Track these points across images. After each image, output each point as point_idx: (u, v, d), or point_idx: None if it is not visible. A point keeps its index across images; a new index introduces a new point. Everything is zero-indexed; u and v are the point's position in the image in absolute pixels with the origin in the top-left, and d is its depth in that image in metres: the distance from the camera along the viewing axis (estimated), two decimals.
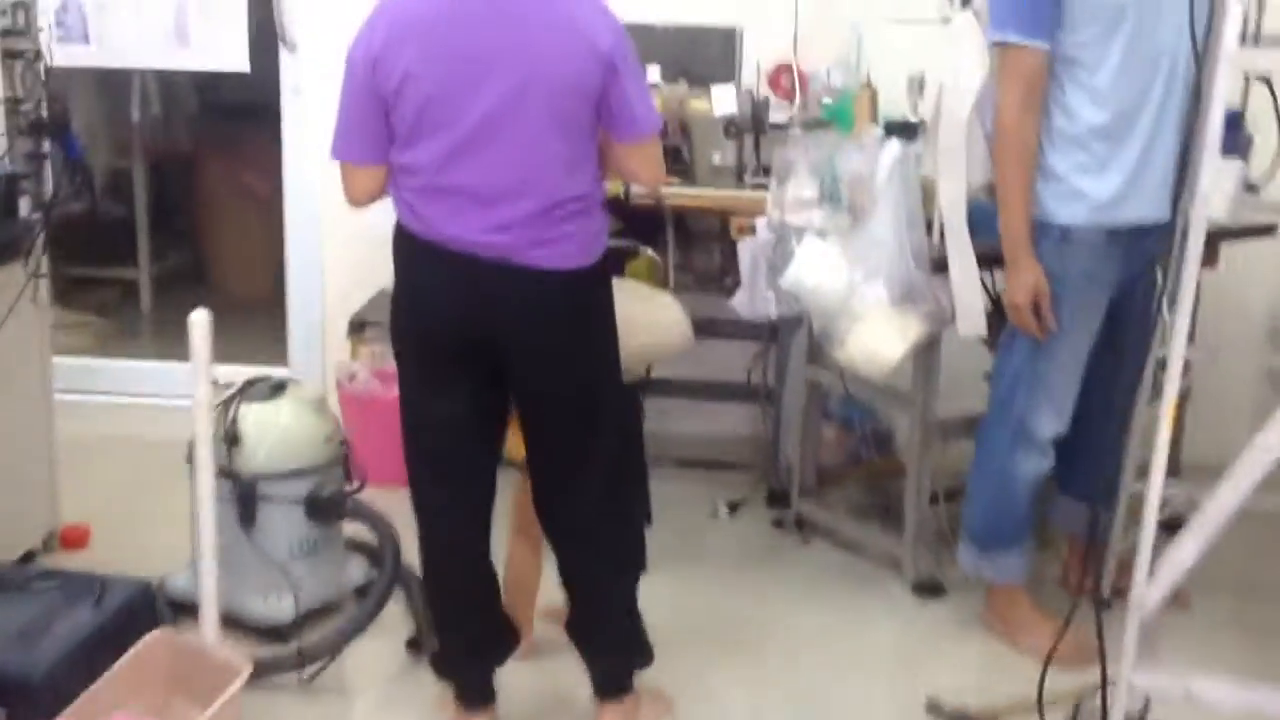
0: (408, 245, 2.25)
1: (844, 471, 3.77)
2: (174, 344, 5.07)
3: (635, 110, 2.21)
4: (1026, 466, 2.88)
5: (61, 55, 3.87)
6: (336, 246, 4.09)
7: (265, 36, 4.01)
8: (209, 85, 5.14)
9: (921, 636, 3.08)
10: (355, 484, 2.91)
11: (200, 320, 2.34)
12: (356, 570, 3.03)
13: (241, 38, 3.94)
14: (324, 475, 2.86)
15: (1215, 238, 2.72)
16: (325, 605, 2.94)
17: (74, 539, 3.24)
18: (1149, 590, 2.19)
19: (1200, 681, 2.20)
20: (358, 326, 3.74)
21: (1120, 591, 2.86)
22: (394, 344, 2.35)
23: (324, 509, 2.85)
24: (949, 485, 3.43)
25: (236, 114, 5.03)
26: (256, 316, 4.53)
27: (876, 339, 2.90)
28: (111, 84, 4.97)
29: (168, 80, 5.09)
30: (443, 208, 2.17)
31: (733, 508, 3.69)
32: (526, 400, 2.32)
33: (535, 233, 2.18)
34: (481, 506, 2.38)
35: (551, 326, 2.23)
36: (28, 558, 3.11)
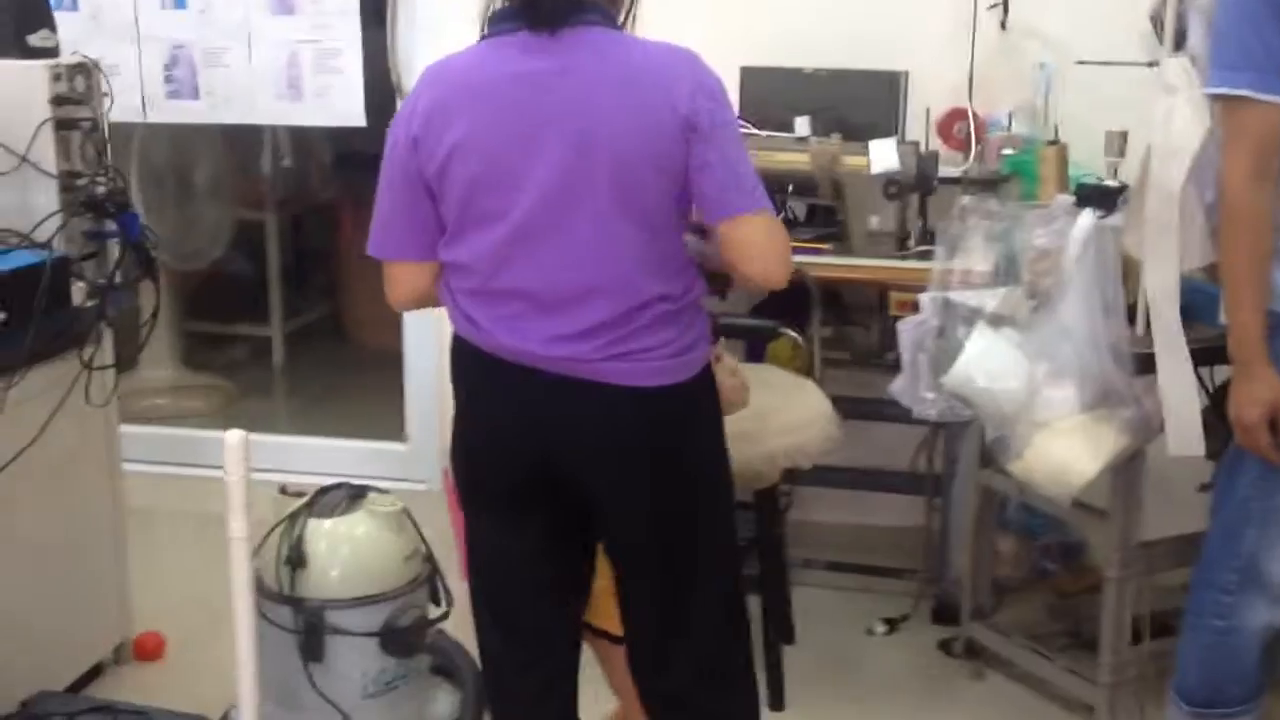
0: (465, 356, 1.85)
1: (1025, 588, 3.22)
2: (308, 404, 4.99)
3: (724, 182, 1.74)
4: (1258, 616, 2.29)
5: (171, 110, 3.75)
6: None
7: (385, 87, 3.70)
8: (341, 136, 4.89)
9: None
10: (442, 610, 2.51)
11: (235, 442, 1.96)
12: (446, 704, 2.62)
13: (357, 90, 3.63)
14: (403, 601, 2.47)
15: None
16: None
17: (149, 649, 2.94)
18: None
19: None
20: None
21: None
22: (453, 469, 1.94)
23: (401, 641, 2.46)
24: (1157, 612, 2.86)
25: (369, 165, 4.75)
26: (388, 372, 4.23)
27: (1064, 453, 2.38)
28: (242, 134, 4.76)
29: (299, 131, 4.86)
30: (500, 314, 1.76)
31: (891, 625, 3.18)
32: (610, 548, 1.89)
33: (610, 344, 1.75)
34: (558, 675, 1.95)
35: (629, 459, 1.80)
36: (95, 672, 2.81)
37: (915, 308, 2.78)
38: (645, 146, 1.70)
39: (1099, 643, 2.72)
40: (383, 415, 3.98)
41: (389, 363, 4.00)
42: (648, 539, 1.84)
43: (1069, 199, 2.58)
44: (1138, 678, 2.73)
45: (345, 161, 5.13)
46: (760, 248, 1.78)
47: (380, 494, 2.54)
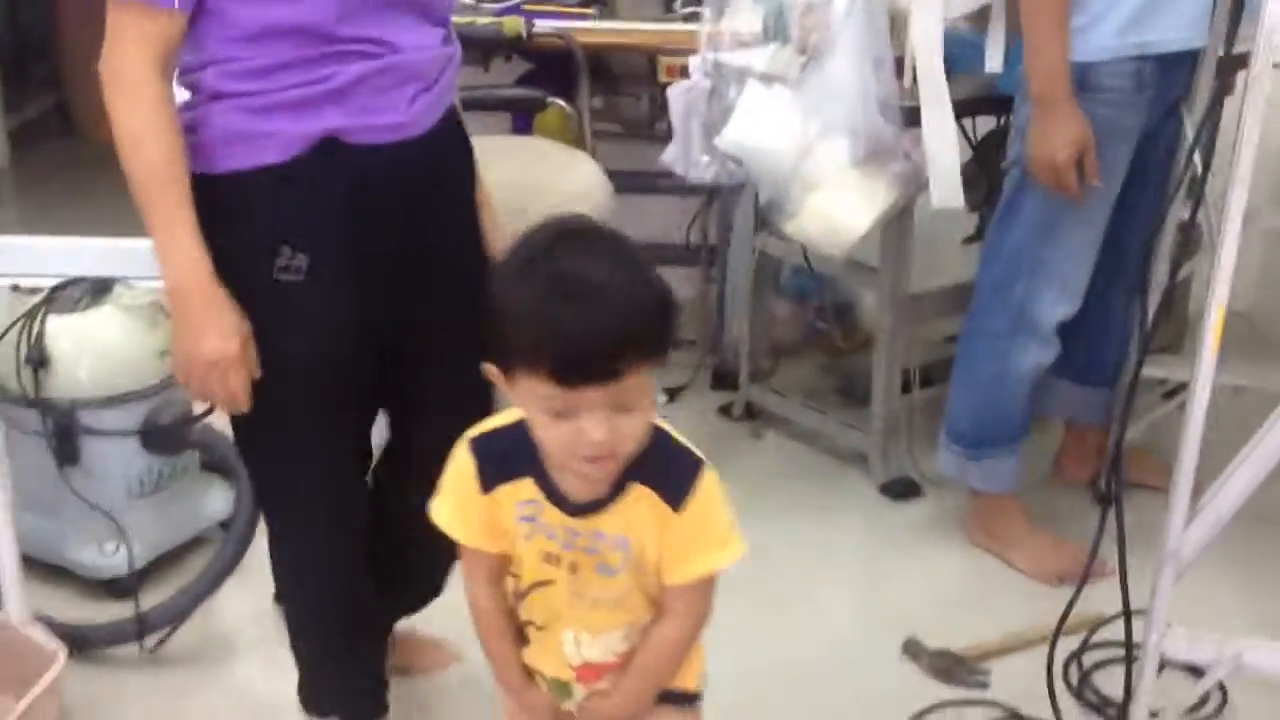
0: None
1: (799, 348, 3.28)
2: (38, 209, 4.60)
3: None
4: (1027, 358, 2.39)
5: None
6: None
7: None
8: None
9: (894, 548, 2.64)
10: (205, 406, 2.38)
11: None
12: (216, 502, 2.51)
13: None
14: (162, 398, 2.33)
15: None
16: (184, 545, 2.47)
17: None
18: (1187, 533, 1.72)
19: (1256, 651, 1.75)
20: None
21: (1137, 486, 2.42)
22: None
23: (165, 439, 2.33)
24: (924, 363, 2.96)
25: None
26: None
27: (837, 209, 2.37)
28: None
29: None
30: None
31: (671, 395, 3.20)
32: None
33: None
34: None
35: None
36: None
37: (684, 73, 2.70)
38: None
39: (871, 395, 2.80)
40: (128, 213, 3.70)
41: None
42: None
43: None
44: (908, 426, 2.83)
45: None
46: None
47: (129, 288, 2.36)
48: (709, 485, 1.35)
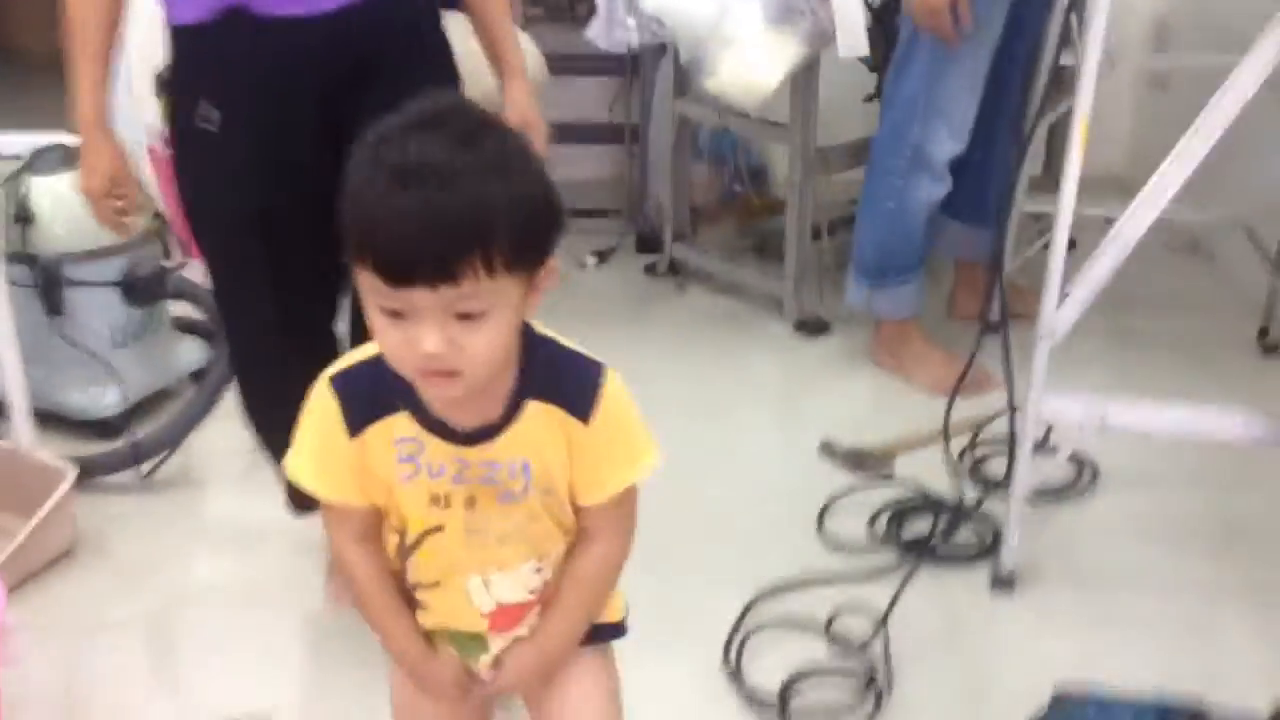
0: None
1: (718, 211, 3.54)
2: None
3: None
4: (923, 192, 2.67)
5: None
6: None
7: None
8: None
9: (808, 376, 2.93)
10: (179, 260, 2.58)
11: None
12: (191, 353, 2.73)
13: None
14: (138, 252, 2.53)
15: None
16: (158, 394, 2.67)
17: None
18: (1059, 313, 2.02)
19: (1116, 407, 2.07)
20: (167, 84, 3.29)
21: (1018, 316, 2.72)
22: None
23: (142, 289, 2.52)
24: (831, 218, 3.24)
25: None
26: (55, 76, 4.02)
27: (751, 64, 2.63)
28: None
29: None
30: None
31: (601, 257, 3.46)
32: None
33: None
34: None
35: None
36: None
37: None
38: None
39: (784, 245, 3.08)
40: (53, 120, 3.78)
41: (55, 64, 3.78)
42: None
43: None
44: (818, 270, 3.12)
45: None
46: None
47: None
48: (614, 389, 1.21)
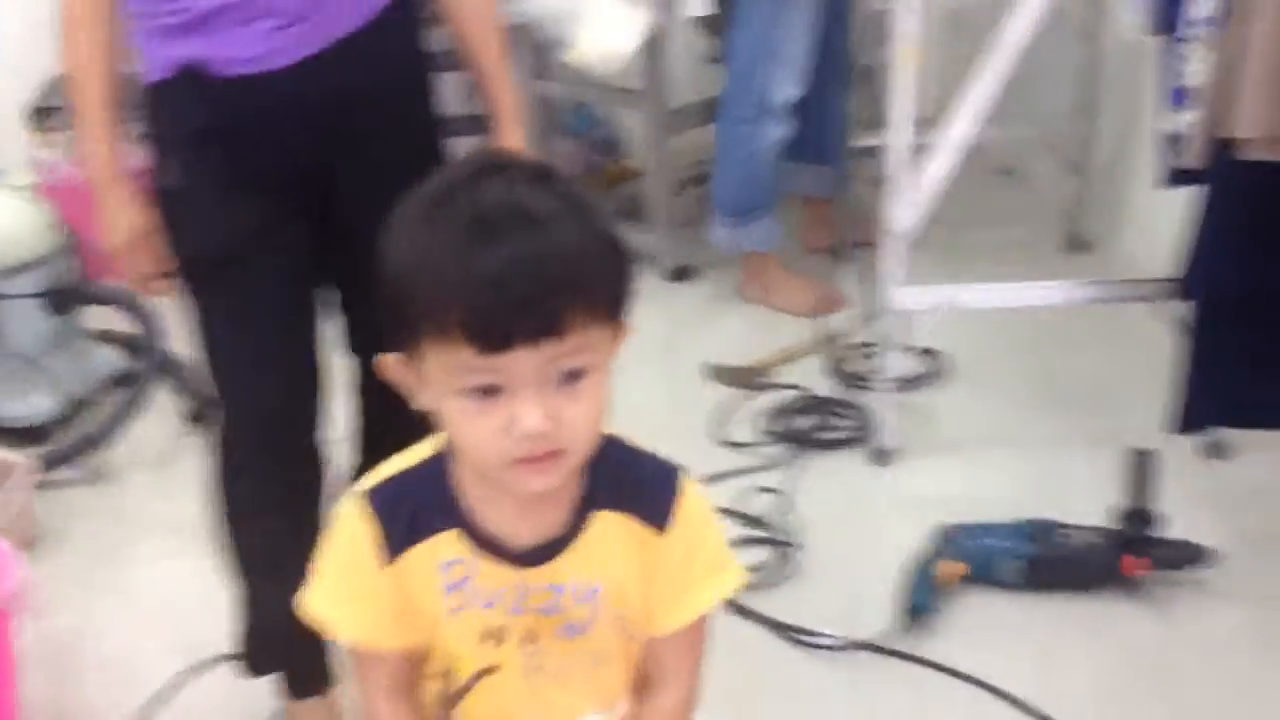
0: None
1: (584, 182, 3.80)
2: None
3: None
4: (771, 134, 2.99)
5: None
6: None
7: None
8: None
9: (685, 317, 3.22)
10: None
11: None
12: (108, 360, 2.88)
13: None
14: (56, 264, 2.69)
15: None
16: (82, 400, 2.81)
17: None
18: (902, 213, 2.35)
19: (961, 291, 2.41)
20: (42, 113, 3.43)
21: (860, 243, 3.06)
22: None
23: (65, 298, 2.69)
24: (686, 175, 3.55)
25: None
26: None
27: (608, 33, 2.90)
28: None
29: None
30: None
31: None
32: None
33: None
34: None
35: None
36: None
37: None
38: None
39: (647, 204, 3.37)
40: None
41: None
42: None
43: None
44: (682, 223, 3.42)
45: None
46: None
47: (3, 171, 2.70)
48: (694, 495, 1.09)
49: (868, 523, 2.34)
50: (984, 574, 2.08)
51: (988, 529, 2.11)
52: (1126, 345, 2.76)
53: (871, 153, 3.35)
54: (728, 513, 2.30)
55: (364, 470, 1.16)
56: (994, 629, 2.04)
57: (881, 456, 2.48)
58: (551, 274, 0.93)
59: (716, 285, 3.31)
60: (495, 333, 0.92)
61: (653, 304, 3.30)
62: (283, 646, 1.82)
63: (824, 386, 2.73)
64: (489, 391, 0.94)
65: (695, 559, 1.09)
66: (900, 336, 2.52)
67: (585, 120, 3.72)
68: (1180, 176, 2.05)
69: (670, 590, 1.09)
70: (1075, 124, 3.30)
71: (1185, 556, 2.04)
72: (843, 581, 2.17)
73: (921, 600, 2.02)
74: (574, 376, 0.97)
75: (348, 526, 1.07)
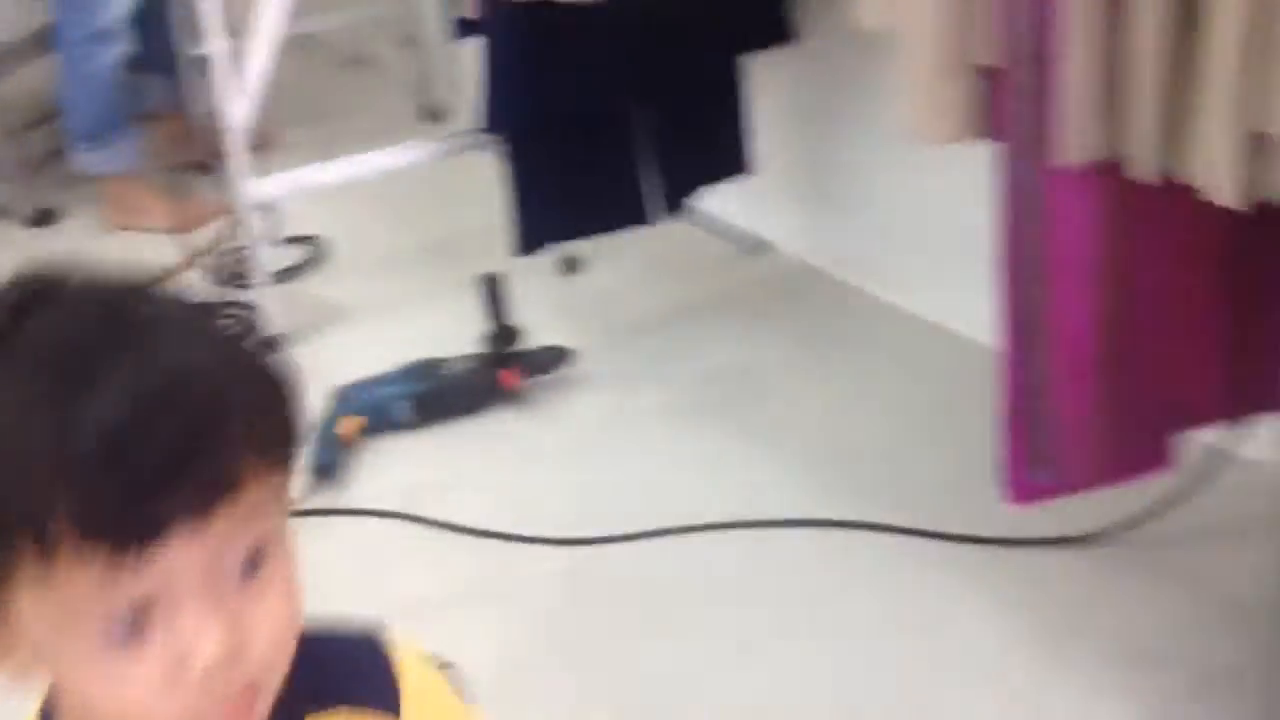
0: None
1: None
2: None
3: None
4: (110, 51, 2.94)
5: None
6: None
7: None
8: None
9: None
10: None
11: None
12: None
13: None
14: None
15: None
16: None
17: None
18: (234, 108, 2.39)
19: (317, 170, 2.50)
20: None
21: (216, 155, 3.06)
22: None
23: None
24: (30, 116, 3.37)
25: None
26: None
27: None
28: None
29: None
30: None
31: None
32: None
33: None
34: None
35: None
36: None
37: None
38: None
39: None
40: None
41: None
42: None
43: None
44: (32, 164, 3.25)
45: None
46: None
47: None
48: (411, 658, 0.81)
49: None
50: (381, 421, 2.22)
51: (377, 380, 2.25)
52: (488, 194, 2.99)
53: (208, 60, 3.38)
54: None
55: None
56: (400, 466, 2.19)
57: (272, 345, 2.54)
58: (196, 404, 0.62)
59: (83, 221, 3.20)
60: (135, 516, 0.59)
61: (19, 255, 3.13)
62: None
63: (212, 294, 2.74)
64: (135, 623, 0.61)
65: None
66: (272, 231, 2.59)
67: None
68: (465, 27, 2.26)
69: None
70: (406, 2, 3.46)
71: (551, 360, 2.29)
72: None
73: (328, 459, 2.13)
74: (254, 564, 0.65)
75: None
